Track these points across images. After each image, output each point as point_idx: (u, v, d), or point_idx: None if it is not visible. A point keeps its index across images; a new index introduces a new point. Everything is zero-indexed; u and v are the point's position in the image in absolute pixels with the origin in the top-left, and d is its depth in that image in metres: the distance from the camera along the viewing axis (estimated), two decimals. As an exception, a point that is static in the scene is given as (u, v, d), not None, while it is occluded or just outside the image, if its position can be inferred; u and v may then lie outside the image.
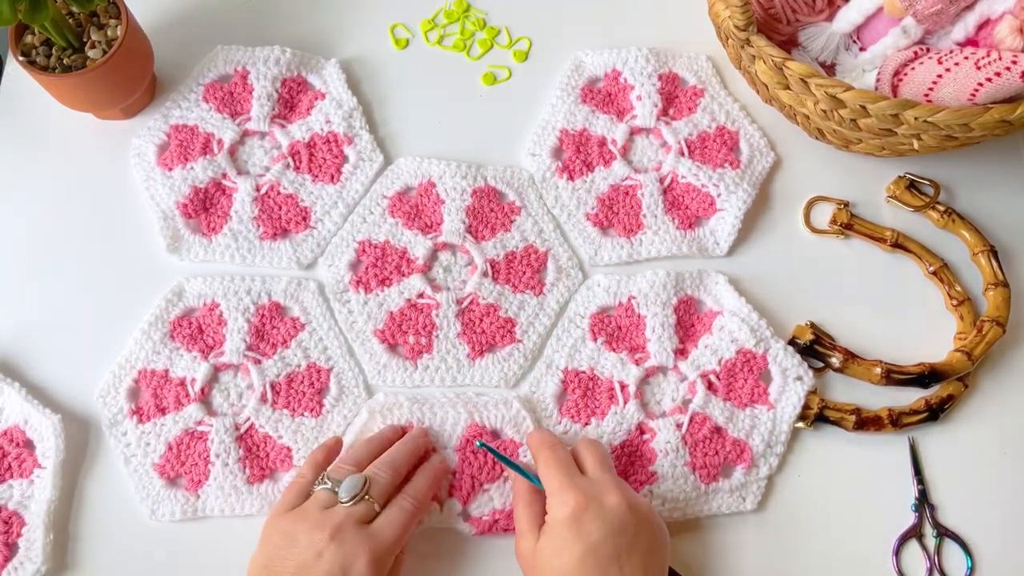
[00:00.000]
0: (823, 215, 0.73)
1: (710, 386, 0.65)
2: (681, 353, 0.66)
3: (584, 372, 0.65)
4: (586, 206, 0.71)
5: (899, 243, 0.71)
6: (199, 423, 0.63)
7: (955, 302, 0.69)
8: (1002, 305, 0.68)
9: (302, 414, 0.64)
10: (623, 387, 0.65)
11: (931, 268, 0.70)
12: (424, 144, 0.74)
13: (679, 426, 0.63)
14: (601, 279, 0.68)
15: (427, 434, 0.63)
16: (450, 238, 0.69)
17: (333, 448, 0.61)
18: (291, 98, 0.74)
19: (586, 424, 0.64)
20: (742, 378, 0.65)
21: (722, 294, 0.68)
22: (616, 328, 0.67)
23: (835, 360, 0.66)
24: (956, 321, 0.69)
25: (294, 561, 0.52)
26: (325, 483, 0.56)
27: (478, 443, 0.59)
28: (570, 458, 0.58)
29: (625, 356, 0.66)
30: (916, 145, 0.64)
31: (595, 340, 0.66)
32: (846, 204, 0.72)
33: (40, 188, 0.71)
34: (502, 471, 0.62)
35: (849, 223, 0.71)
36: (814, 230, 0.72)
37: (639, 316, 0.67)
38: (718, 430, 0.64)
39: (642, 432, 0.64)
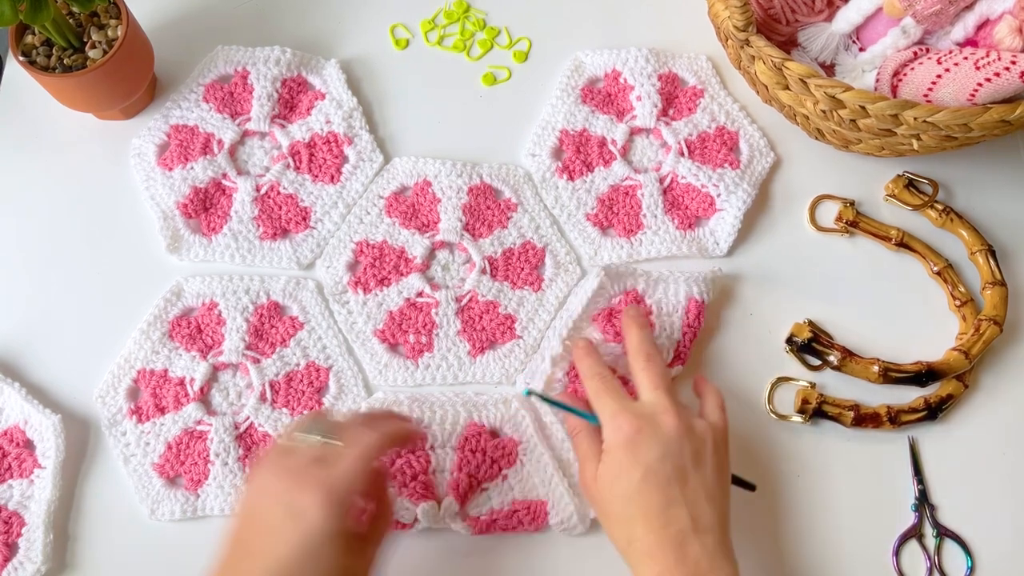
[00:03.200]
0: (828, 214, 0.73)
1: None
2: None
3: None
4: (586, 206, 0.71)
5: (904, 242, 0.71)
6: (198, 422, 0.63)
7: (958, 303, 0.69)
8: (1000, 304, 0.68)
9: (302, 413, 0.64)
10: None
11: (935, 268, 0.70)
12: (424, 144, 0.74)
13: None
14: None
15: (424, 433, 0.62)
16: (447, 236, 0.69)
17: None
18: (291, 98, 0.74)
19: None
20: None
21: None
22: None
23: (833, 358, 0.66)
24: (959, 322, 0.69)
25: (252, 515, 0.49)
26: (291, 437, 0.52)
27: (524, 391, 0.59)
28: (619, 384, 0.58)
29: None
30: (916, 145, 0.64)
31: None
32: (852, 202, 0.72)
33: (40, 188, 0.71)
34: (500, 470, 0.62)
35: (854, 221, 0.71)
36: (819, 228, 0.72)
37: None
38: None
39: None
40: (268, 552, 0.47)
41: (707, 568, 0.52)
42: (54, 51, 0.66)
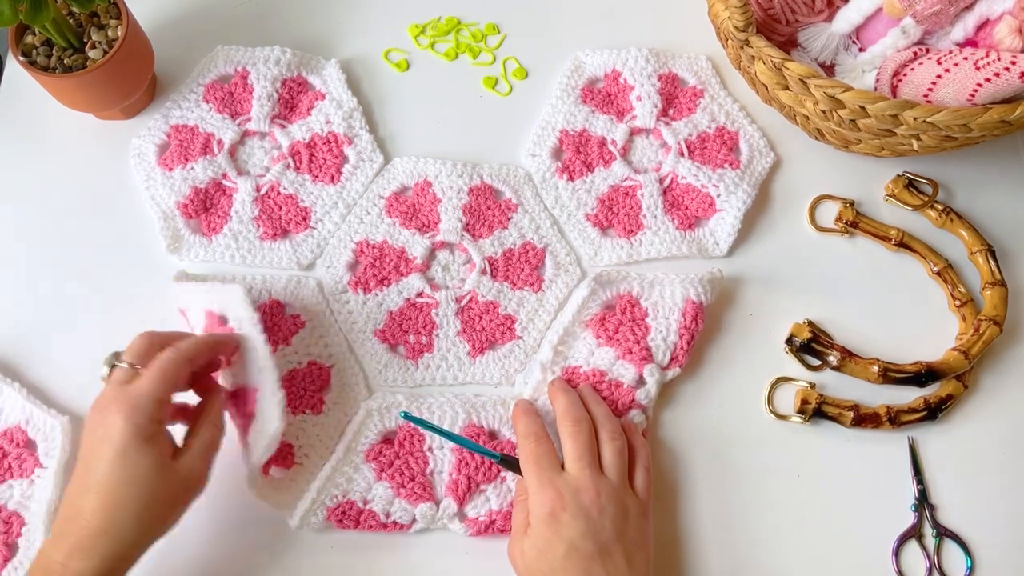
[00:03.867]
0: (828, 214, 0.73)
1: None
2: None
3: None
4: (586, 207, 0.71)
5: (904, 242, 0.71)
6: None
7: (958, 303, 0.69)
8: (999, 304, 0.68)
9: (304, 411, 0.64)
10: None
11: (935, 268, 0.70)
12: (424, 145, 0.74)
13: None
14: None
15: (234, 337, 0.59)
16: (448, 237, 0.69)
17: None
18: (291, 98, 0.74)
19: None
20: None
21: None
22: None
23: (832, 358, 0.66)
24: (958, 322, 0.69)
25: (83, 446, 0.53)
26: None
27: (401, 413, 0.60)
28: (551, 451, 0.58)
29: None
30: (915, 145, 0.64)
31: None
32: (852, 202, 0.72)
33: (40, 188, 0.71)
34: (499, 471, 0.62)
35: (854, 221, 0.71)
36: (819, 228, 0.72)
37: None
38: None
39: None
40: (92, 474, 0.51)
41: None
42: (54, 51, 0.66)
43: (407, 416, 0.59)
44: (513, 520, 0.59)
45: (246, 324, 0.58)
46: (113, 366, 0.55)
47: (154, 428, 0.52)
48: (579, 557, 0.53)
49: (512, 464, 0.59)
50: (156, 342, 0.56)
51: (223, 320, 0.61)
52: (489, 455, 0.60)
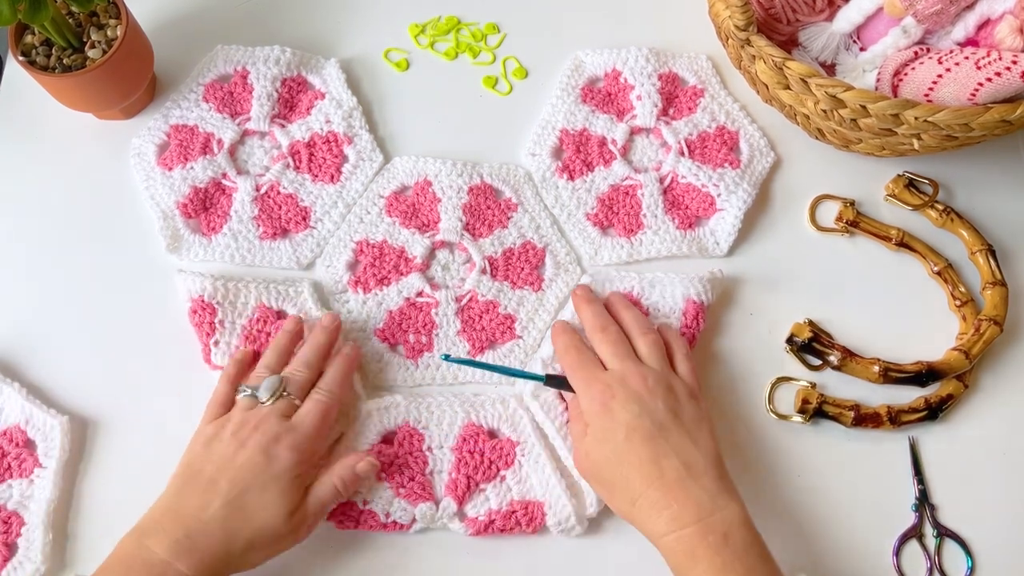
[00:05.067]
0: (828, 213, 0.73)
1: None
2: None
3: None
4: (586, 206, 0.71)
5: (904, 242, 0.71)
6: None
7: (959, 303, 0.69)
8: (1000, 304, 0.67)
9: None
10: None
11: (935, 268, 0.70)
12: (424, 144, 0.74)
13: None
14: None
15: (336, 320, 0.64)
16: (448, 236, 0.69)
17: (243, 360, 0.62)
18: (291, 98, 0.74)
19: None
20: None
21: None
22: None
23: (833, 358, 0.66)
24: (959, 322, 0.69)
25: (218, 455, 0.55)
26: (245, 391, 0.59)
27: (442, 356, 0.62)
28: (592, 357, 0.60)
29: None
30: (916, 145, 0.64)
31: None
32: (852, 202, 0.72)
33: (40, 188, 0.71)
34: (498, 471, 0.62)
35: (855, 221, 0.71)
36: (819, 228, 0.72)
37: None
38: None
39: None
40: (234, 478, 0.54)
41: (711, 507, 0.53)
42: (54, 51, 0.66)
43: (447, 358, 0.61)
44: (572, 434, 0.60)
45: (314, 314, 0.65)
46: (279, 394, 0.58)
47: (305, 472, 0.57)
48: (639, 436, 0.55)
49: (558, 382, 0.61)
50: (313, 376, 0.60)
51: (281, 314, 0.65)
52: (534, 377, 0.62)
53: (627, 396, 0.56)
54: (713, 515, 0.53)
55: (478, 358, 0.66)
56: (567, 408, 0.64)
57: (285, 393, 0.58)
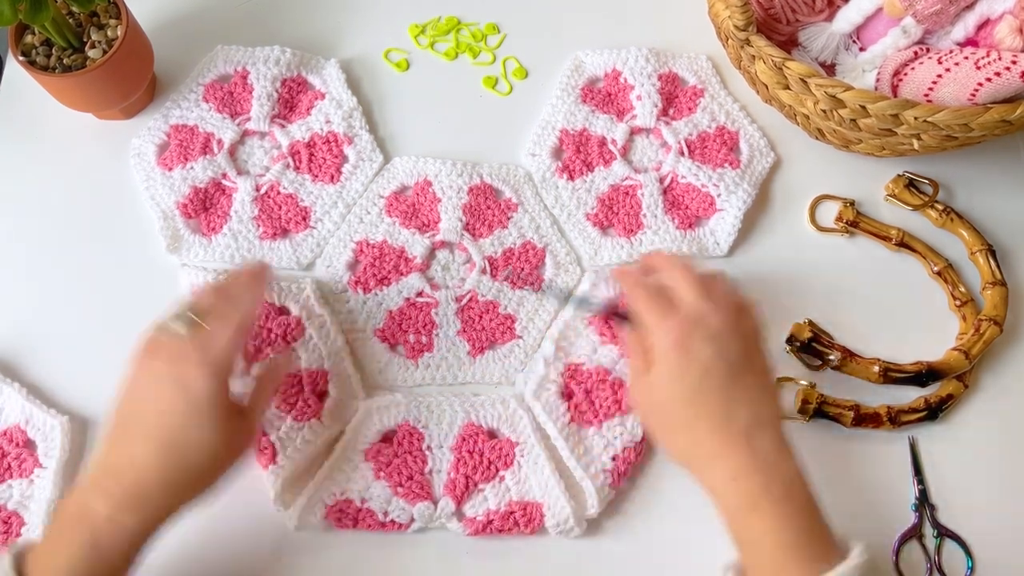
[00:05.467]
0: (828, 214, 0.73)
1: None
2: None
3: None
4: (586, 206, 0.71)
5: (904, 242, 0.71)
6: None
7: (959, 303, 0.69)
8: (1000, 304, 0.67)
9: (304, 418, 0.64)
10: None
11: (935, 268, 0.70)
12: (424, 144, 0.74)
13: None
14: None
15: (263, 267, 0.61)
16: (448, 236, 0.69)
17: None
18: (291, 98, 0.74)
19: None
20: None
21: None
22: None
23: (833, 358, 0.66)
24: (959, 322, 0.69)
25: (136, 399, 0.53)
26: (157, 326, 0.56)
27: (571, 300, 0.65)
28: (663, 291, 0.57)
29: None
30: (916, 145, 0.64)
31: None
32: (852, 202, 0.72)
33: (40, 188, 0.71)
34: (497, 471, 0.62)
35: (855, 221, 0.71)
36: (819, 228, 0.72)
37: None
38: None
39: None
40: (157, 422, 0.51)
41: (776, 459, 0.52)
42: (54, 51, 0.66)
43: (548, 289, 0.61)
44: (631, 370, 0.58)
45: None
46: (191, 321, 0.54)
47: (227, 390, 0.53)
48: (714, 379, 0.52)
49: (620, 317, 0.60)
50: (224, 298, 0.57)
51: (283, 310, 0.65)
52: (605, 311, 0.61)
53: (706, 335, 0.53)
54: (779, 466, 0.52)
55: (477, 358, 0.66)
56: (570, 408, 0.64)
57: (191, 316, 0.55)
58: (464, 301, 0.68)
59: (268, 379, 0.59)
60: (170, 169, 0.70)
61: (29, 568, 0.50)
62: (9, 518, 0.60)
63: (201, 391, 0.51)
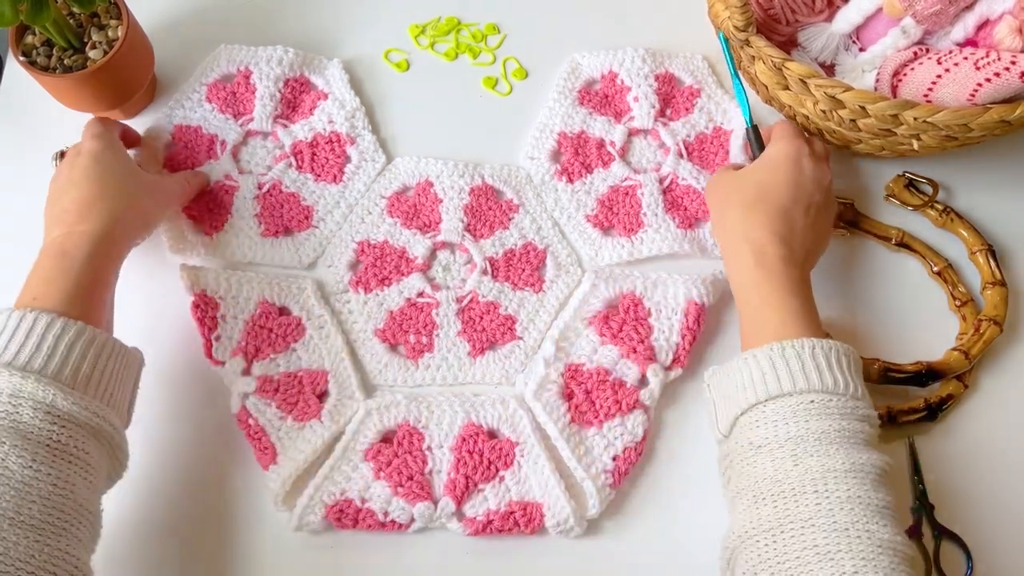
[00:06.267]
0: (826, 214, 0.73)
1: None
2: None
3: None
4: (586, 208, 0.71)
5: (904, 242, 0.71)
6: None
7: (958, 303, 0.69)
8: (1000, 304, 0.68)
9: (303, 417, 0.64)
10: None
11: (935, 268, 0.70)
12: (425, 145, 0.74)
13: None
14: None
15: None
16: (449, 237, 0.69)
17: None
18: (294, 98, 0.74)
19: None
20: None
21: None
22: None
23: (833, 359, 0.66)
24: (959, 322, 0.69)
25: (60, 171, 0.63)
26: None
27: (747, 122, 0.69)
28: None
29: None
30: (916, 145, 0.65)
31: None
32: (852, 202, 0.72)
33: (40, 188, 0.70)
34: (497, 471, 0.62)
35: (855, 221, 0.71)
36: (819, 228, 0.72)
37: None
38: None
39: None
40: (71, 175, 0.61)
41: (798, 264, 0.60)
42: (54, 51, 0.66)
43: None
44: (724, 168, 0.68)
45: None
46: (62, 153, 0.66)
47: (122, 147, 0.64)
48: (798, 191, 0.61)
49: (753, 134, 0.69)
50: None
51: (284, 310, 0.66)
52: (747, 118, 0.69)
53: (814, 170, 0.63)
54: (801, 268, 0.60)
55: (477, 359, 0.66)
56: (570, 408, 0.64)
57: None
58: (465, 302, 0.68)
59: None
60: (174, 171, 0.70)
61: (17, 303, 0.56)
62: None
63: (95, 145, 0.62)
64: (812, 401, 0.52)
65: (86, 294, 0.56)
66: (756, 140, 0.68)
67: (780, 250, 0.59)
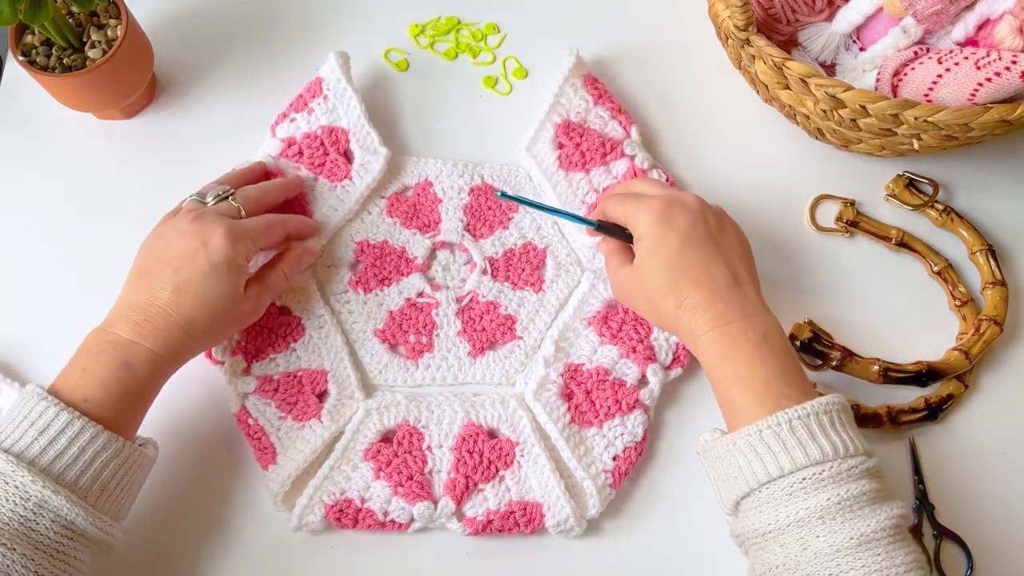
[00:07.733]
0: (828, 214, 0.73)
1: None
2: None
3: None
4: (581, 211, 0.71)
5: (904, 242, 0.71)
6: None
7: (958, 303, 0.69)
8: (1000, 304, 0.68)
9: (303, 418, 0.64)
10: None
11: (935, 268, 0.70)
12: (424, 145, 0.74)
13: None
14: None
15: (301, 182, 0.69)
16: (448, 237, 0.69)
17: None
18: (295, 98, 0.74)
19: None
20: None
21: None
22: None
23: (833, 358, 0.66)
24: (959, 322, 0.69)
25: (161, 248, 0.58)
26: (192, 197, 0.62)
27: (498, 193, 0.62)
28: (637, 194, 0.63)
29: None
30: (916, 145, 0.64)
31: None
32: (852, 202, 0.72)
33: (40, 188, 0.71)
34: (497, 471, 0.62)
35: (855, 221, 0.71)
36: (819, 228, 0.72)
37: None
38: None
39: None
40: (177, 267, 0.56)
41: (754, 310, 0.57)
42: (54, 51, 0.66)
43: (504, 195, 0.61)
44: (612, 266, 0.63)
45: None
46: (224, 197, 0.61)
47: (244, 262, 0.59)
48: (693, 243, 0.58)
49: (609, 229, 0.63)
50: (264, 199, 0.64)
51: (284, 310, 0.66)
52: (585, 222, 0.63)
53: (683, 208, 0.59)
54: (755, 317, 0.57)
55: (477, 359, 0.66)
56: (570, 408, 0.64)
57: (231, 198, 0.61)
58: (465, 302, 0.68)
59: (285, 260, 0.63)
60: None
61: (58, 388, 0.53)
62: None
63: (220, 250, 0.56)
64: (805, 479, 0.50)
65: (136, 411, 0.56)
66: (614, 229, 0.63)
67: (725, 304, 0.56)
